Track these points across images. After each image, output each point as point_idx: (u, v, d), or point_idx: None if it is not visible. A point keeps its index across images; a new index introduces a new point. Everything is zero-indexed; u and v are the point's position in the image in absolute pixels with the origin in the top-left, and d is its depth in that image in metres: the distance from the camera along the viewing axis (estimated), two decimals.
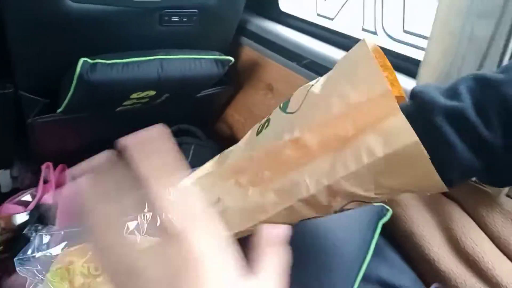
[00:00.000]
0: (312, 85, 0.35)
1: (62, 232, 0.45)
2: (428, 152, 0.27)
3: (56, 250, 0.43)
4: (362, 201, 0.32)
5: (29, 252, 0.42)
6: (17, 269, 0.39)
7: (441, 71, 0.57)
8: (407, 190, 0.32)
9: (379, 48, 0.35)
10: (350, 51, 0.34)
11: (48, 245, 0.43)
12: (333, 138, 0.31)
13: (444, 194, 0.59)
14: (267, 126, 0.36)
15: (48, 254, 0.42)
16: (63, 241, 0.44)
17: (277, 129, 0.35)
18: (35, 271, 0.40)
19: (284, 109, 0.36)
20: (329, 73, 0.35)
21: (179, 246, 0.25)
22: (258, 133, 0.37)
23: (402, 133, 0.28)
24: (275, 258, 0.29)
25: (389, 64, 0.36)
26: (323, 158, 0.31)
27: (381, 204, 0.56)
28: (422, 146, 0.27)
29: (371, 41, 0.33)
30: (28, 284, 0.39)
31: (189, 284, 0.24)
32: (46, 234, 0.43)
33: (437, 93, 0.31)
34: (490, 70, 0.50)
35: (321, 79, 0.35)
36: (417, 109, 0.31)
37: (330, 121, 0.31)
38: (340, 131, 0.31)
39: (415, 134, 0.27)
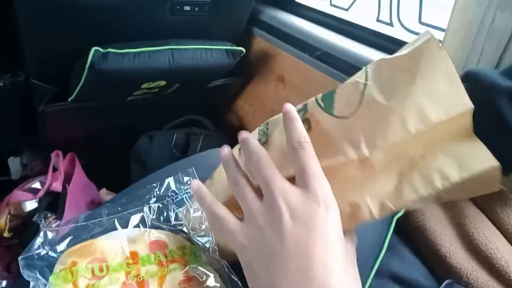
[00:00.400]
0: (365, 83, 0.31)
1: (67, 228, 0.44)
2: (486, 135, 0.25)
3: (61, 247, 0.42)
4: None
5: (34, 248, 0.41)
6: (21, 271, 0.38)
7: (458, 64, 0.56)
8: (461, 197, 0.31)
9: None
10: (417, 48, 0.29)
11: (53, 242, 0.42)
12: (400, 158, 0.29)
13: None
14: (307, 128, 0.33)
15: (52, 252, 0.42)
16: (69, 237, 0.43)
17: (329, 137, 0.32)
18: (38, 274, 0.39)
19: (329, 110, 0.33)
20: (388, 71, 0.31)
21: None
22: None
23: (479, 157, 0.26)
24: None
25: None
26: (386, 178, 0.29)
27: None
28: (499, 167, 0.25)
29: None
30: (32, 287, 0.38)
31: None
32: (50, 231, 0.43)
33: (496, 75, 0.29)
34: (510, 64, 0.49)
35: (376, 78, 0.31)
36: (475, 92, 0.28)
37: (405, 140, 0.28)
38: (409, 151, 0.28)
39: (494, 158, 0.25)
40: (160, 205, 0.48)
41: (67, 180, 1.07)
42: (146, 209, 0.47)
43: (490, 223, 0.53)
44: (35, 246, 0.41)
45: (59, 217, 0.98)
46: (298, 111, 0.36)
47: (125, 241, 0.43)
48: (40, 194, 1.03)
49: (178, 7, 0.88)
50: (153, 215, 0.47)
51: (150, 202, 0.48)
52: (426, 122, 0.27)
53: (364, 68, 0.34)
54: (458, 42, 0.55)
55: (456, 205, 0.56)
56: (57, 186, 1.05)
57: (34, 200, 1.04)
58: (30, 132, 1.06)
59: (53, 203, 1.04)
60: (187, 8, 0.89)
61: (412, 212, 0.57)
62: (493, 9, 0.51)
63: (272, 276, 0.30)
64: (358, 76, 0.33)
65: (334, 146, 0.31)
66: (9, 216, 1.01)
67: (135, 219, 0.46)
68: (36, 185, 1.09)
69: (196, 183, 0.40)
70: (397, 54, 0.31)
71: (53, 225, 0.43)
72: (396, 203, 0.29)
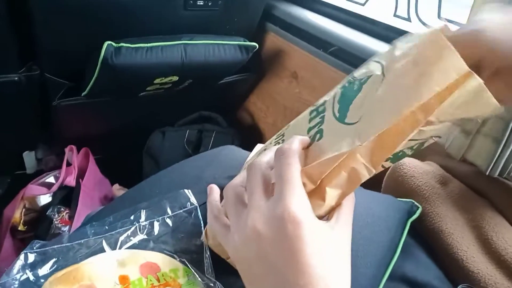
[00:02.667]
0: (382, 78, 0.32)
1: (50, 250, 0.41)
2: None
3: (43, 271, 0.39)
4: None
5: (13, 273, 0.37)
6: None
7: None
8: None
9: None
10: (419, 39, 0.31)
11: (34, 265, 0.39)
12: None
13: (475, 191, 0.56)
14: (318, 138, 0.34)
15: (34, 276, 0.38)
16: (52, 259, 0.40)
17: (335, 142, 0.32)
18: None
19: (342, 119, 0.33)
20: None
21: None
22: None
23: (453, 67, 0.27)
24: (347, 207, 0.33)
25: None
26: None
27: (411, 200, 0.54)
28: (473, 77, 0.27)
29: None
30: None
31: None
32: (32, 252, 0.39)
33: None
34: None
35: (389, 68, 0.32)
36: None
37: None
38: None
39: (465, 65, 0.27)
40: (150, 225, 0.45)
41: (81, 175, 1.08)
42: (135, 228, 0.44)
43: (510, 226, 0.52)
44: (15, 270, 0.37)
45: (73, 211, 1.00)
46: (314, 117, 0.36)
47: (115, 264, 0.40)
48: (54, 188, 1.04)
49: (191, 2, 0.88)
50: (142, 234, 0.44)
51: (140, 220, 0.45)
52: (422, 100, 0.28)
53: (377, 61, 0.34)
54: None
55: (474, 208, 0.55)
56: (71, 181, 1.06)
57: (48, 195, 1.05)
58: (44, 127, 1.07)
59: (67, 198, 1.05)
60: (200, 2, 0.88)
61: (427, 214, 0.56)
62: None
63: None
64: (374, 69, 0.33)
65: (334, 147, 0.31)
66: (23, 209, 1.03)
67: (124, 239, 0.43)
68: (51, 179, 1.10)
69: (212, 187, 0.40)
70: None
71: (34, 247, 0.40)
72: (387, 150, 0.30)
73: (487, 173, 0.51)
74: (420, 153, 0.46)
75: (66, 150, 1.11)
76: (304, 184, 0.31)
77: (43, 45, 0.86)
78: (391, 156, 0.32)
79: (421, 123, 0.28)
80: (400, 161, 0.60)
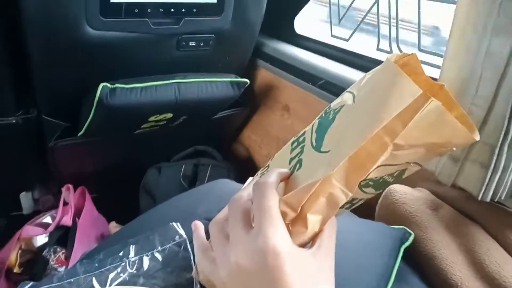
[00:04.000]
0: (353, 106, 0.35)
1: None
2: None
3: None
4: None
5: None
6: None
7: (458, 89, 0.56)
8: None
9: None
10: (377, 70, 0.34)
11: None
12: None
13: (467, 215, 0.57)
14: (298, 168, 0.36)
15: None
16: None
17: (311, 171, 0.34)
18: None
19: (318, 148, 0.35)
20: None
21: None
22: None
23: (407, 90, 0.29)
24: (328, 232, 0.33)
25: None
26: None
27: (403, 227, 0.55)
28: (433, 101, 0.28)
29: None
30: None
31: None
32: None
33: None
34: (508, 89, 0.49)
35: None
36: None
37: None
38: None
39: (417, 87, 0.29)
40: (139, 260, 0.45)
41: (77, 213, 1.08)
42: (125, 264, 0.44)
43: (502, 249, 0.52)
44: None
45: (69, 251, 0.99)
46: (295, 148, 0.38)
47: None
48: (51, 228, 1.04)
49: (184, 43, 0.91)
50: (132, 270, 0.44)
51: (129, 256, 0.45)
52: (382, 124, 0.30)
53: (350, 91, 0.37)
54: (457, 68, 0.56)
55: (466, 232, 0.55)
56: (67, 221, 1.06)
57: (45, 235, 1.05)
58: (41, 167, 1.08)
59: (63, 238, 1.05)
60: (193, 43, 0.92)
61: (420, 240, 0.56)
62: (488, 34, 0.52)
63: None
64: (346, 99, 0.36)
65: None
66: (20, 251, 1.02)
67: (114, 276, 0.43)
68: (47, 219, 1.10)
69: (196, 223, 0.41)
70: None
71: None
72: (361, 173, 0.31)
73: (479, 199, 0.51)
74: (410, 180, 0.48)
75: (63, 189, 1.11)
76: (285, 214, 0.32)
77: (40, 87, 0.88)
78: (371, 183, 0.33)
79: (389, 145, 0.30)
80: (391, 188, 0.61)
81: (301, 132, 0.40)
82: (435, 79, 0.41)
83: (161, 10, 0.83)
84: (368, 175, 0.32)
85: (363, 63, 0.96)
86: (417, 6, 0.81)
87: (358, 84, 0.36)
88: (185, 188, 1.18)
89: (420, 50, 0.82)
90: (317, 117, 0.39)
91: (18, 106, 0.91)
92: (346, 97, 0.36)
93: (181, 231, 0.48)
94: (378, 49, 0.92)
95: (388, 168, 0.33)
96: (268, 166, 0.42)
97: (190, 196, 0.61)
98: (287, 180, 0.36)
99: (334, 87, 0.94)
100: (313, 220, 0.33)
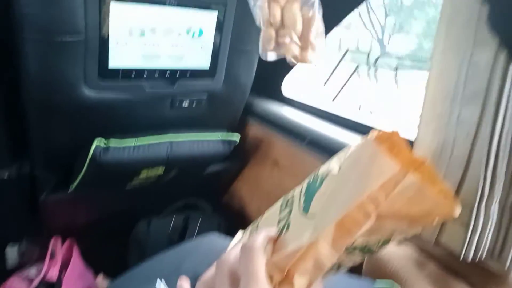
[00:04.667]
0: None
1: None
2: None
3: None
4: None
5: None
6: None
7: (434, 151, 0.58)
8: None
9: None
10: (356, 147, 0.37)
11: None
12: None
13: (452, 272, 0.58)
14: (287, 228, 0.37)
15: None
16: None
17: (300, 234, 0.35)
18: None
19: (306, 210, 0.37)
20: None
21: None
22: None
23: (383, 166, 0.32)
24: None
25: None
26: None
27: (391, 281, 0.55)
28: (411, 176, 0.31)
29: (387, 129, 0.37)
30: None
31: None
32: None
33: None
34: (480, 152, 0.51)
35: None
36: None
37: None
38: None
39: (396, 164, 0.31)
40: None
41: (64, 266, 1.06)
42: None
43: None
44: None
45: None
46: (284, 209, 0.40)
47: None
48: (36, 283, 1.02)
49: (177, 103, 0.95)
50: None
51: None
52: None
53: (337, 159, 0.39)
54: (431, 132, 0.59)
55: (447, 283, 0.56)
56: (53, 276, 1.04)
57: None
58: (30, 220, 1.08)
59: None
60: (186, 103, 0.96)
61: None
62: (457, 102, 0.55)
63: None
64: (333, 167, 0.38)
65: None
66: None
67: None
68: (33, 272, 1.08)
69: (182, 280, 0.41)
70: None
71: None
72: (347, 238, 0.33)
73: (461, 258, 0.52)
74: None
75: (51, 242, 1.10)
76: (272, 276, 0.34)
77: (35, 143, 0.90)
78: (357, 249, 0.35)
79: (373, 214, 0.32)
80: None
81: (291, 193, 0.42)
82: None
83: (157, 74, 0.87)
84: (354, 242, 0.34)
85: (347, 122, 1.01)
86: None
87: (344, 155, 0.39)
88: (175, 242, 1.18)
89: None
90: (306, 180, 0.41)
91: (12, 160, 0.92)
92: (332, 165, 0.39)
93: None
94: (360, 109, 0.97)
95: (373, 237, 0.35)
96: (257, 226, 0.43)
97: (178, 251, 0.62)
98: (275, 241, 0.37)
99: (321, 144, 0.98)
100: (300, 282, 0.34)
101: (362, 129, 0.97)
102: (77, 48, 0.75)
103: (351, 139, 0.93)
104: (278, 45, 0.33)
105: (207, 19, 0.88)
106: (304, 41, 0.33)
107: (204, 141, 0.99)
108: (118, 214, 1.19)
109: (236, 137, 1.05)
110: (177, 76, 0.90)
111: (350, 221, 0.32)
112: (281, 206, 0.41)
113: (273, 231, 0.37)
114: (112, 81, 0.83)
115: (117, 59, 0.81)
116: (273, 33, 0.33)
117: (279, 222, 0.39)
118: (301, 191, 0.40)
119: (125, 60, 0.82)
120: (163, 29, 0.83)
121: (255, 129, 1.22)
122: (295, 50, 0.33)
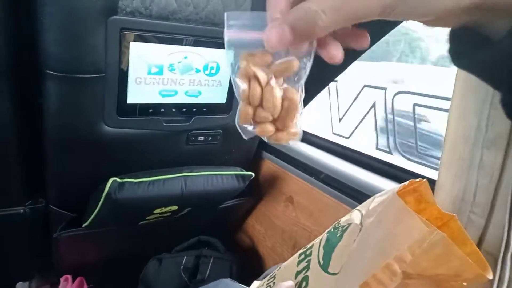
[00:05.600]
0: (360, 227, 0.36)
1: None
2: None
3: None
4: None
5: None
6: None
7: (456, 196, 0.57)
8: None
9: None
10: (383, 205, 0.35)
11: None
12: None
13: None
14: (305, 285, 0.36)
15: None
16: None
17: None
18: None
19: (325, 268, 0.36)
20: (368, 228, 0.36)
21: None
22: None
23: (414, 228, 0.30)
24: None
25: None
26: None
27: None
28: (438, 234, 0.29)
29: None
30: None
31: None
32: None
33: None
34: (505, 198, 0.50)
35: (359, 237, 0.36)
36: None
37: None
38: None
39: (425, 226, 0.30)
40: None
41: None
42: None
43: None
44: None
45: None
46: (302, 261, 0.38)
47: None
48: None
49: (193, 138, 0.95)
50: None
51: None
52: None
53: (359, 209, 0.38)
54: (452, 177, 0.57)
55: None
56: None
57: None
58: (42, 257, 1.07)
59: None
60: (201, 138, 0.96)
61: None
62: (479, 146, 0.54)
63: None
64: (354, 218, 0.36)
65: None
66: None
67: None
68: None
69: None
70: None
71: None
72: None
73: None
74: None
75: (61, 280, 1.09)
76: None
77: (52, 179, 0.90)
78: None
79: (398, 273, 0.31)
80: None
81: (309, 244, 0.40)
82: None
83: (174, 109, 0.88)
84: None
85: (362, 159, 0.99)
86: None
87: (367, 207, 0.37)
88: (185, 281, 1.15)
89: (418, 152, 0.86)
90: (326, 232, 0.40)
91: (28, 196, 0.93)
92: (354, 215, 0.38)
93: None
94: (377, 148, 0.96)
95: None
96: (274, 277, 0.42)
97: None
98: None
99: (335, 181, 0.96)
100: None
101: (379, 168, 0.95)
102: (97, 84, 0.76)
103: (367, 179, 0.91)
104: (255, 123, 0.33)
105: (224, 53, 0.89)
106: (282, 124, 0.32)
107: (219, 176, 0.98)
108: (129, 251, 1.17)
109: (251, 173, 1.04)
110: (193, 111, 0.91)
111: (376, 282, 0.31)
112: (299, 257, 0.40)
113: (290, 284, 0.36)
114: (129, 117, 0.84)
115: (135, 96, 0.82)
116: (250, 111, 0.32)
117: (296, 275, 0.38)
118: (320, 243, 0.39)
119: (143, 96, 0.84)
120: (180, 66, 0.85)
121: (269, 164, 1.22)
122: (270, 131, 0.33)
